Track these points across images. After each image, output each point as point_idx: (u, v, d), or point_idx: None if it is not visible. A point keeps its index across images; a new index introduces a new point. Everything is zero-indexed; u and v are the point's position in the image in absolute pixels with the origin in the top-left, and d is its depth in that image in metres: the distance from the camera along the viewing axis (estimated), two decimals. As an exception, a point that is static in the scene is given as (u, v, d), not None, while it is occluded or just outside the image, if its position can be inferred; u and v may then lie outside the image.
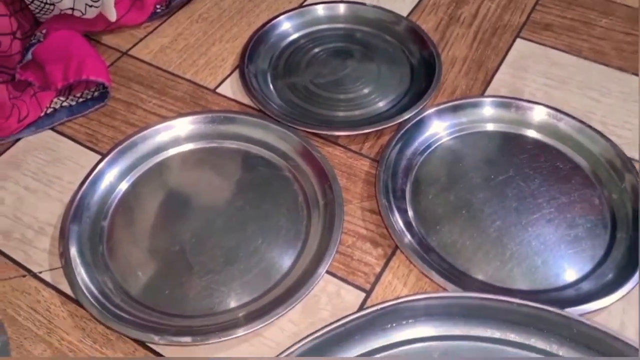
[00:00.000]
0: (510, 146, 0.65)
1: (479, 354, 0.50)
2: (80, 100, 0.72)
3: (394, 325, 0.51)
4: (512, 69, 0.75)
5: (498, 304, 0.50)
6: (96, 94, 0.72)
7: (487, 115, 0.68)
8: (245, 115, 0.67)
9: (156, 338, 0.51)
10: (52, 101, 0.70)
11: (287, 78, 0.75)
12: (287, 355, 0.48)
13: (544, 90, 0.72)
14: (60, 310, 0.55)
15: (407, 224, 0.59)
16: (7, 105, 0.66)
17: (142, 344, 0.52)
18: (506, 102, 0.68)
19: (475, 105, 0.68)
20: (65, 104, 0.71)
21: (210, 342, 0.51)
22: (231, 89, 0.74)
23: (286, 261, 0.57)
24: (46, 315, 0.54)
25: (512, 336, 0.51)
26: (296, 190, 0.62)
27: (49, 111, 0.70)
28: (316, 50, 0.77)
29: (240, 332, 0.51)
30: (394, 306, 0.50)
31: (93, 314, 0.52)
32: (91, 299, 0.53)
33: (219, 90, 0.74)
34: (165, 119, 0.67)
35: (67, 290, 0.55)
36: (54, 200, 0.63)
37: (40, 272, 0.57)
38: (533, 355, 0.49)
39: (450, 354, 0.50)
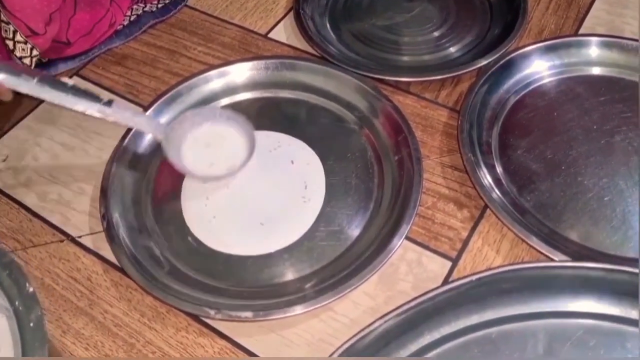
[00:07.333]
0: (614, 92, 0.56)
1: (594, 335, 0.42)
2: (160, 5, 0.68)
3: (489, 300, 0.43)
4: (607, 4, 0.65)
5: (618, 276, 0.42)
6: None
7: (586, 57, 0.58)
8: (305, 61, 0.59)
9: (212, 312, 0.44)
10: (131, 8, 0.66)
11: (348, 20, 0.66)
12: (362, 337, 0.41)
13: (649, 28, 0.62)
14: (103, 279, 0.48)
15: (497, 182, 0.51)
16: (105, 4, 0.63)
17: (197, 318, 0.46)
18: (607, 42, 0.58)
19: (571, 45, 0.58)
20: (146, 9, 0.67)
21: (275, 317, 0.44)
22: (285, 33, 0.66)
23: (357, 224, 0.49)
24: (87, 285, 0.48)
25: (633, 313, 0.42)
26: (364, 145, 0.54)
27: (132, 18, 0.66)
28: (380, -13, 0.69)
29: (309, 306, 0.44)
30: (491, 277, 0.42)
31: (140, 284, 0.46)
32: (137, 267, 0.47)
33: (271, 35, 0.66)
34: (211, 67, 0.60)
35: (110, 256, 0.49)
36: (93, 158, 0.56)
37: (79, 237, 0.51)
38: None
39: (557, 335, 0.42)
